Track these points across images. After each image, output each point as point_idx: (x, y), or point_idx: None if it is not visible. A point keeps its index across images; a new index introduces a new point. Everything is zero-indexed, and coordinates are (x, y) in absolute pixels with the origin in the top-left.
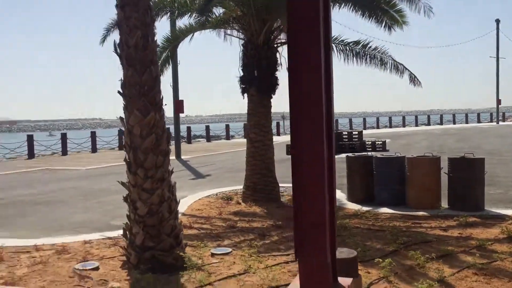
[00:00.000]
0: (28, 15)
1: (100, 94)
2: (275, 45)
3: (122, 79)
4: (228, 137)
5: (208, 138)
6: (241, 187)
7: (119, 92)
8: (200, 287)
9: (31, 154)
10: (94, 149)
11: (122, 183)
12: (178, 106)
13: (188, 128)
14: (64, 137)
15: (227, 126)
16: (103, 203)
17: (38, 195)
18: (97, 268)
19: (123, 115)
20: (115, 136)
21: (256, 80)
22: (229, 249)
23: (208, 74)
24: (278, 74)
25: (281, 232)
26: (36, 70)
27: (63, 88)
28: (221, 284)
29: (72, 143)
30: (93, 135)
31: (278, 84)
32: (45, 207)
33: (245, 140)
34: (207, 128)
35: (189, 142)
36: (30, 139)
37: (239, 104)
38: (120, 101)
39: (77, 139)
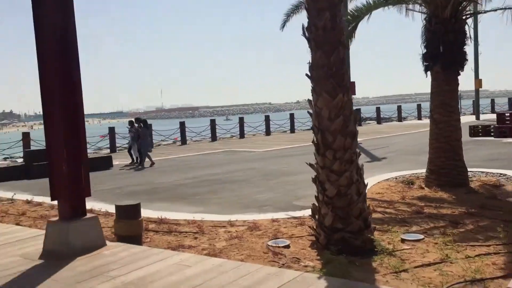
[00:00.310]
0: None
1: (269, 79)
2: (463, 17)
3: (310, 61)
4: (400, 118)
5: (379, 120)
6: (421, 170)
7: (307, 74)
8: (395, 273)
9: (213, 137)
10: (268, 132)
11: (310, 165)
12: (350, 87)
13: (358, 110)
14: (241, 121)
15: (399, 107)
16: (283, 184)
17: (224, 175)
18: (288, 246)
19: (293, 99)
20: (287, 120)
21: (441, 56)
22: (421, 236)
23: (373, 54)
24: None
25: (476, 221)
26: (213, 59)
27: (236, 75)
28: (417, 271)
29: (248, 126)
30: (267, 119)
31: (467, 60)
32: (232, 186)
33: (419, 122)
34: (378, 109)
35: (359, 124)
36: (212, 123)
37: (409, 85)
38: (284, 86)
39: (252, 122)
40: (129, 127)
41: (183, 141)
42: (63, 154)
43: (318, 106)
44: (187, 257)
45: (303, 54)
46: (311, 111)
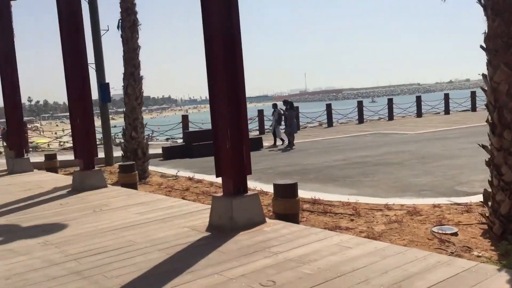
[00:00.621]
0: None
1: (417, 59)
2: None
3: (486, 31)
4: None
5: None
6: None
7: (481, 46)
8: None
9: (361, 119)
10: (419, 114)
11: (483, 146)
12: None
13: None
14: (390, 102)
15: None
16: (441, 168)
17: (375, 157)
18: (455, 234)
19: (445, 78)
20: (440, 101)
21: None
22: None
23: None
24: None
25: None
26: (355, 41)
27: (380, 56)
28: None
29: (397, 108)
30: (418, 100)
31: None
32: (385, 168)
33: None
34: None
35: None
36: (359, 105)
37: None
38: (434, 66)
39: (400, 104)
40: (273, 109)
41: (329, 123)
42: (227, 134)
43: (494, 81)
44: (347, 239)
45: (458, 30)
46: (485, 87)
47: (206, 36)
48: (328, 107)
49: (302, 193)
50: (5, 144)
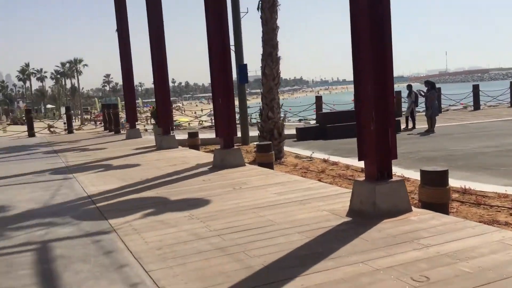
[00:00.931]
0: None
1: None
2: None
3: None
4: None
5: None
6: None
7: None
8: None
9: None
10: None
11: None
12: None
13: None
14: None
15: None
16: None
17: None
18: None
19: None
20: None
21: None
22: None
23: None
24: None
25: None
26: (500, 15)
27: None
28: None
29: None
30: None
31: None
32: None
33: None
34: None
35: None
36: None
37: None
38: None
39: None
40: (408, 91)
41: (476, 106)
42: (371, 116)
43: None
44: (511, 236)
45: None
46: None
47: (352, 10)
48: (475, 88)
49: (451, 181)
50: (154, 122)
